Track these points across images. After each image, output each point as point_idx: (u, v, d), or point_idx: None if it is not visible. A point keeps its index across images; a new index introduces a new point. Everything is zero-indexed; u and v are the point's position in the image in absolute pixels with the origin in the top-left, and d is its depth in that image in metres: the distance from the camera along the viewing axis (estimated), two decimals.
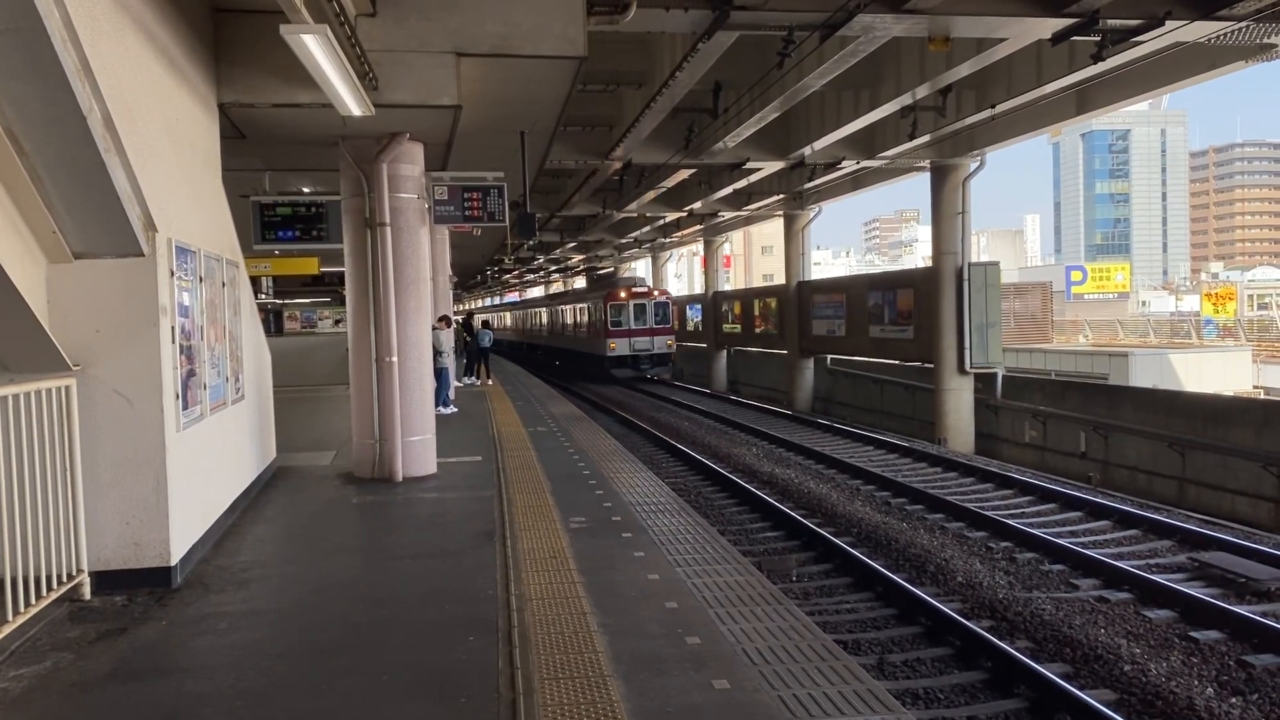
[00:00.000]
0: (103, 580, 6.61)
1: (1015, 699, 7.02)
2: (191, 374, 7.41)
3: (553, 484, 10.47)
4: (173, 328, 6.89)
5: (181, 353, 7.13)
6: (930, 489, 13.99)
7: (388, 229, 10.60)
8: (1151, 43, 13.06)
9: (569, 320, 44.95)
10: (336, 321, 35.26)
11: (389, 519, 9.19)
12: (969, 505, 12.76)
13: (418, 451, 11.09)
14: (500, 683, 4.88)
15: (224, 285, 8.71)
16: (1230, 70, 15.27)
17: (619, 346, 36.15)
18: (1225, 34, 12.58)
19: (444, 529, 8.70)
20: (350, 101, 8.14)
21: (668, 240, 45.89)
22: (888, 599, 9.30)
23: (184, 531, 7.10)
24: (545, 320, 52.93)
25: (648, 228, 40.87)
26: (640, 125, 19.34)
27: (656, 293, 37.73)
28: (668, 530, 8.15)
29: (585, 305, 41.02)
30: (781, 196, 30.70)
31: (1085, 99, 18.78)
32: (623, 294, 37.08)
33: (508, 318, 70.77)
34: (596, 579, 6.73)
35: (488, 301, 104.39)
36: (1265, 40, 12.95)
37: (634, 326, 36.39)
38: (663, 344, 36.69)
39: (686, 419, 24.77)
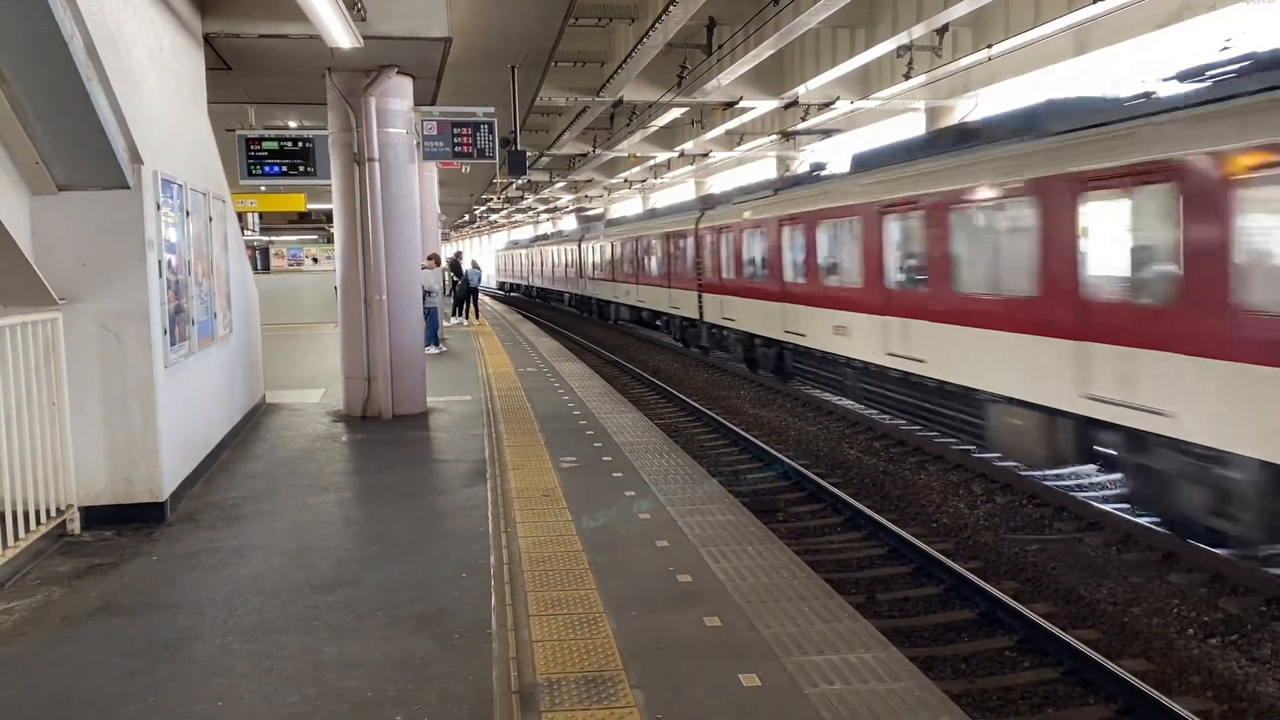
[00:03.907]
0: (93, 515, 6.61)
1: (1003, 636, 7.11)
2: (179, 309, 7.34)
3: (542, 423, 10.48)
4: (160, 262, 6.80)
5: (169, 288, 7.05)
6: (918, 431, 14.03)
7: (376, 164, 10.47)
8: None
9: None
10: (314, 260, 32.69)
11: (379, 457, 9.20)
12: (952, 446, 12.82)
13: (408, 390, 11.07)
14: (493, 619, 4.91)
15: (210, 220, 8.60)
16: (1231, 5, 15.11)
17: None
18: None
19: (435, 467, 8.72)
20: (338, 33, 7.98)
21: (659, 181, 45.55)
22: (876, 539, 9.38)
23: (174, 467, 7.09)
24: None
25: (638, 168, 40.54)
26: (632, 62, 19.08)
27: None
28: (658, 470, 8.17)
29: None
30: (774, 137, 30.42)
31: (1083, 40, 18.54)
32: None
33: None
34: (588, 517, 6.76)
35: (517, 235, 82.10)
36: None
37: None
38: None
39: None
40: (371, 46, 8.84)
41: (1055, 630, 6.79)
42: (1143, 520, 9.31)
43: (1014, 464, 11.56)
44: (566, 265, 42.85)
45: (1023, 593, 7.96)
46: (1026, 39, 17.27)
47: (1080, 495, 10.28)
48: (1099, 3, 13.70)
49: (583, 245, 38.41)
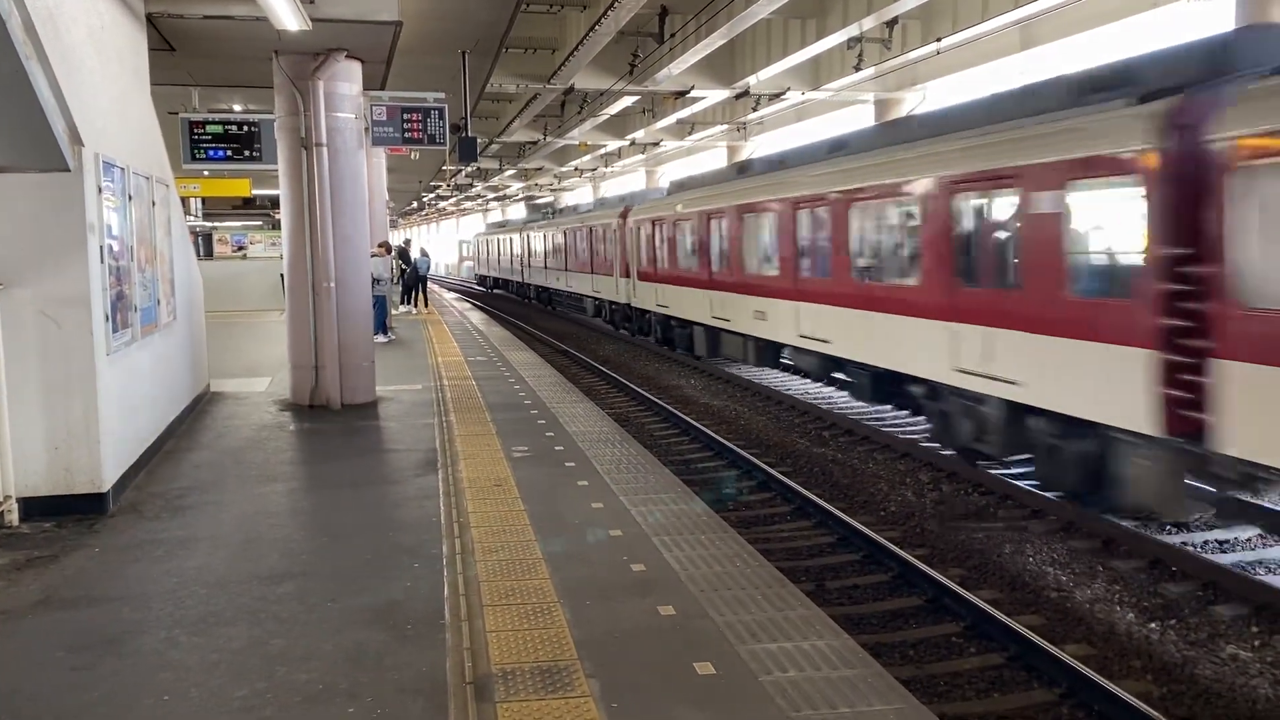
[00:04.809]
0: (32, 506, 6.46)
1: (950, 623, 7.21)
2: (121, 295, 7.18)
3: (494, 413, 10.43)
4: (101, 247, 6.65)
5: (111, 273, 6.89)
6: (866, 420, 14.19)
7: (324, 150, 10.33)
8: None
9: None
10: (239, 248, 30.46)
11: (328, 446, 9.10)
12: (899, 435, 12.99)
13: (356, 379, 10.96)
14: (446, 610, 4.87)
15: (154, 204, 8.41)
16: (1169, 3, 15.45)
17: None
18: None
19: (385, 457, 8.64)
20: (286, 15, 7.84)
21: (609, 170, 45.51)
22: (825, 527, 9.47)
23: (116, 457, 6.94)
24: None
25: (588, 156, 40.45)
26: (584, 49, 19.01)
27: None
28: (610, 459, 8.17)
29: None
30: (725, 127, 30.53)
31: (1029, 35, 18.81)
32: None
33: None
34: (541, 507, 6.74)
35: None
36: None
37: None
38: None
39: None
40: (320, 29, 8.70)
41: (1001, 616, 6.90)
42: (1085, 509, 9.49)
43: (957, 453, 11.70)
44: (593, 255, 27.84)
45: (969, 579, 8.07)
46: (974, 33, 17.49)
47: (1024, 484, 10.46)
48: None
49: (629, 222, 23.61)
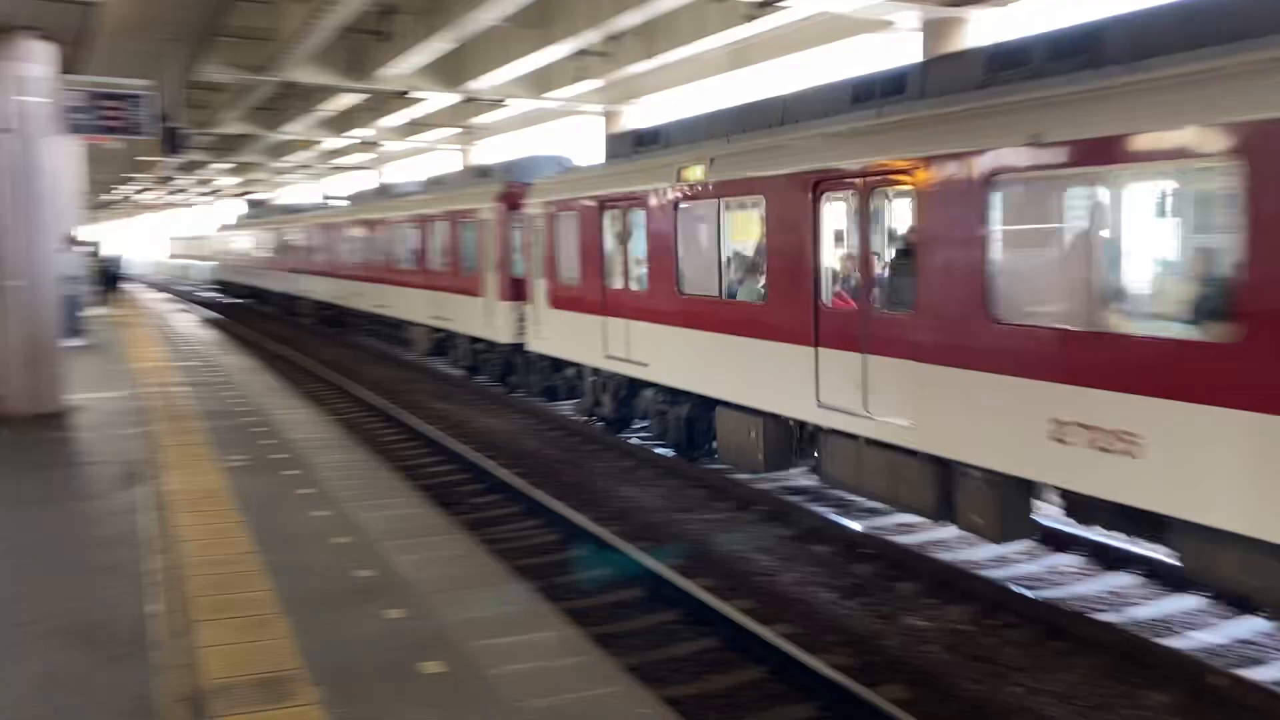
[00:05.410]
0: None
1: (669, 611, 7.58)
2: None
3: (205, 421, 9.90)
4: None
5: None
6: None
7: (10, 136, 9.41)
8: (800, 10, 14.31)
9: None
10: None
11: (13, 460, 8.34)
12: (625, 440, 13.46)
13: (43, 385, 10.07)
14: (154, 627, 4.63)
15: None
16: (863, 34, 17.00)
17: None
18: (858, 10, 14.32)
19: (80, 470, 8.03)
20: None
21: (326, 166, 43.97)
22: (555, 525, 9.68)
23: None
24: None
25: (311, 152, 38.92)
26: (303, 42, 18.32)
27: None
28: (336, 466, 7.99)
29: None
30: (458, 130, 30.37)
31: (741, 56, 20.01)
32: None
33: None
34: (260, 518, 6.51)
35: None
36: (885, 18, 14.88)
37: None
38: None
39: None
40: (4, 4, 7.93)
41: (714, 603, 7.34)
42: (791, 499, 10.26)
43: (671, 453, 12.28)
44: (427, 262, 19.34)
45: (689, 569, 8.51)
46: (688, 52, 18.44)
47: (736, 476, 11.13)
48: (751, 23, 15.01)
49: (531, 208, 14.31)
